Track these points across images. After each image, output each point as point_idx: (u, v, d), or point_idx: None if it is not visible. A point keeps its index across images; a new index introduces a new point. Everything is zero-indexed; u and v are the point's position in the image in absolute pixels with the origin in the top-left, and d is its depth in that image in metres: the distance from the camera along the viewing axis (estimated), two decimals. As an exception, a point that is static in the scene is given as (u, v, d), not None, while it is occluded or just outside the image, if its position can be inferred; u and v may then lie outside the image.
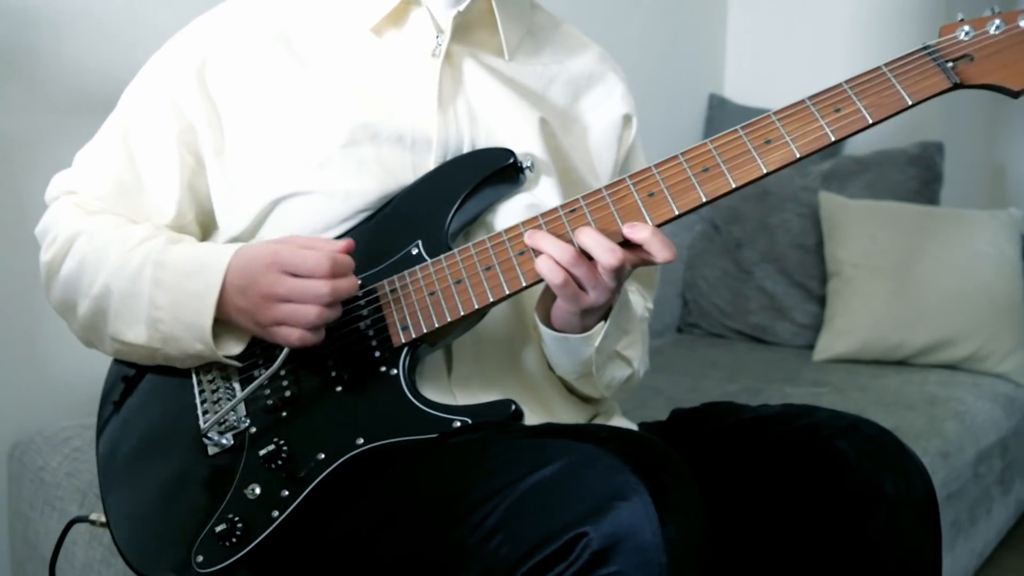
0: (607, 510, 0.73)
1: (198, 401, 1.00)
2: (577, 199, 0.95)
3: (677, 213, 0.92)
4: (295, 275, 0.91)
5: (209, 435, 0.97)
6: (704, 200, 0.92)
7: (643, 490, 0.74)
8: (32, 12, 1.47)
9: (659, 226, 0.93)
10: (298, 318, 0.91)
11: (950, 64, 0.91)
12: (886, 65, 0.92)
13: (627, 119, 1.15)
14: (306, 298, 0.91)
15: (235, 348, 0.98)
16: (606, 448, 0.79)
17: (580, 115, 1.13)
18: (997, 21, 0.92)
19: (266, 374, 0.96)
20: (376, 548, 0.85)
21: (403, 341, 0.96)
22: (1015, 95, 0.92)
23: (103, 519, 1.02)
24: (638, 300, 1.16)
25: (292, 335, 0.92)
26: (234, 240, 1.05)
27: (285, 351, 0.94)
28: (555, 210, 0.95)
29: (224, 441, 0.97)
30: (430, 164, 1.02)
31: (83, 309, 1.02)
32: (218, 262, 0.96)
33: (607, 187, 0.94)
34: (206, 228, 1.09)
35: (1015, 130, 3.25)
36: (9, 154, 1.47)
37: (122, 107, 1.08)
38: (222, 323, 0.97)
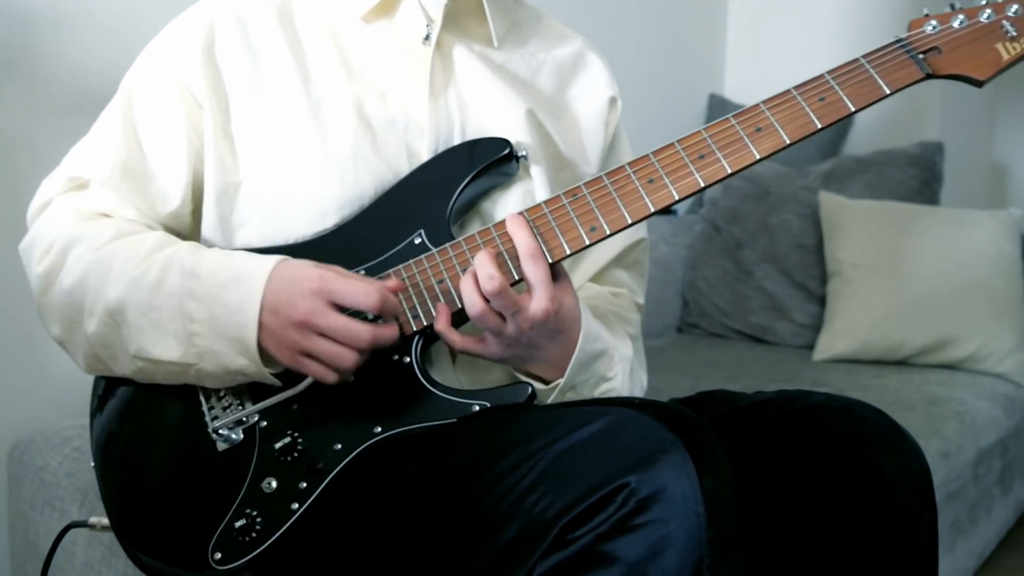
0: (651, 462, 0.75)
1: (202, 397, 0.99)
2: (579, 186, 0.97)
3: (677, 197, 0.95)
4: (340, 307, 0.89)
5: (219, 431, 0.96)
6: (702, 185, 0.95)
7: (681, 446, 0.77)
8: (32, 12, 1.47)
9: (659, 211, 0.95)
10: (334, 361, 0.89)
11: (921, 56, 0.98)
12: (864, 57, 0.98)
13: (612, 101, 1.18)
14: (346, 339, 0.88)
15: (276, 366, 0.94)
16: (641, 411, 0.81)
17: (569, 103, 1.15)
18: (961, 16, 0.99)
19: (289, 393, 0.94)
20: (407, 520, 0.85)
21: (414, 329, 0.96)
22: (979, 84, 0.99)
23: (104, 522, 1.01)
24: (622, 339, 1.11)
25: (328, 376, 0.91)
26: (225, 224, 1.03)
27: (309, 379, 0.93)
28: (558, 198, 0.97)
29: (234, 436, 0.96)
30: (423, 149, 1.03)
31: (93, 328, 0.96)
32: (256, 273, 0.91)
33: (607, 174, 0.97)
34: (200, 222, 1.06)
35: (1015, 130, 3.25)
36: (9, 154, 1.47)
37: (123, 93, 1.06)
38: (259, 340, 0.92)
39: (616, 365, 1.04)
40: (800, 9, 2.98)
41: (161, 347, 0.94)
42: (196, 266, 0.94)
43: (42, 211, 1.06)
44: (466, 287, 0.92)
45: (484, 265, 0.91)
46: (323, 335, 0.89)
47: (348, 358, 0.89)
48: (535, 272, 0.93)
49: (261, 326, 0.91)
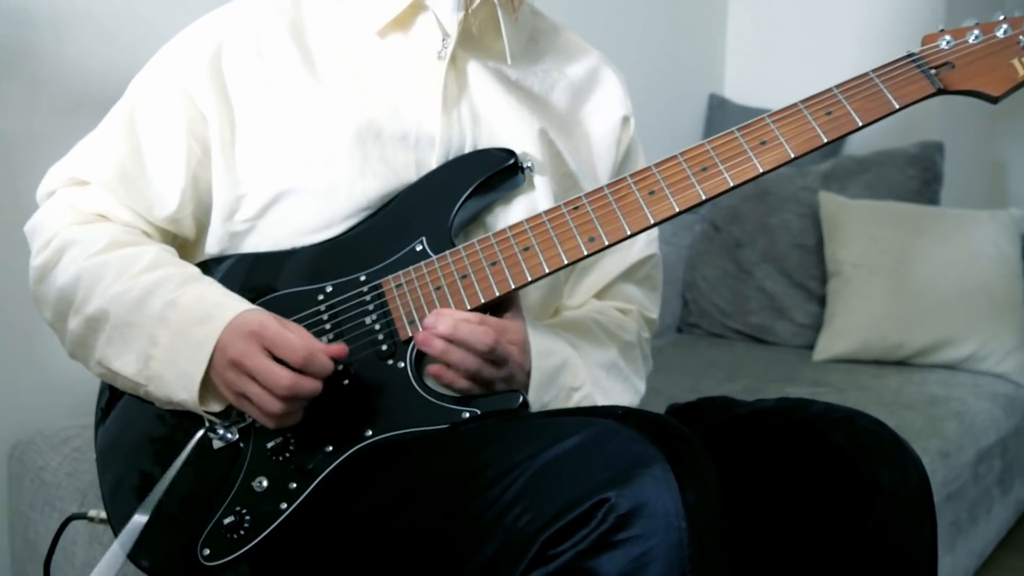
0: (630, 477, 0.75)
1: None
2: (580, 197, 0.97)
3: (678, 210, 0.95)
4: (270, 352, 0.90)
5: (215, 429, 0.97)
6: (704, 198, 0.94)
7: (662, 459, 0.76)
8: (32, 12, 1.47)
9: (659, 223, 0.95)
10: (261, 403, 0.90)
11: (933, 71, 0.96)
12: (873, 71, 0.97)
13: (625, 120, 1.17)
14: (267, 383, 0.89)
15: (217, 405, 0.96)
16: (623, 423, 0.81)
17: (582, 120, 1.15)
18: (976, 31, 0.97)
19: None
20: (392, 529, 0.85)
21: (410, 334, 0.97)
22: (994, 100, 0.97)
23: (102, 515, 1.02)
24: (602, 345, 1.10)
25: (262, 419, 0.93)
26: (233, 235, 1.04)
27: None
28: (558, 208, 0.97)
29: (229, 435, 0.97)
30: (433, 163, 1.03)
31: (74, 325, 1.00)
32: (222, 316, 0.93)
33: (608, 186, 0.97)
34: (202, 227, 1.08)
35: (1015, 130, 3.25)
36: (9, 154, 1.47)
37: (128, 96, 1.07)
38: (209, 379, 0.94)
39: (582, 372, 1.04)
40: (800, 9, 2.98)
41: (121, 361, 0.96)
42: (180, 298, 0.95)
43: (47, 198, 1.09)
44: (466, 360, 0.94)
45: (473, 334, 0.93)
46: (252, 377, 0.90)
47: (272, 404, 0.89)
48: (486, 333, 0.94)
49: (213, 366, 0.93)
